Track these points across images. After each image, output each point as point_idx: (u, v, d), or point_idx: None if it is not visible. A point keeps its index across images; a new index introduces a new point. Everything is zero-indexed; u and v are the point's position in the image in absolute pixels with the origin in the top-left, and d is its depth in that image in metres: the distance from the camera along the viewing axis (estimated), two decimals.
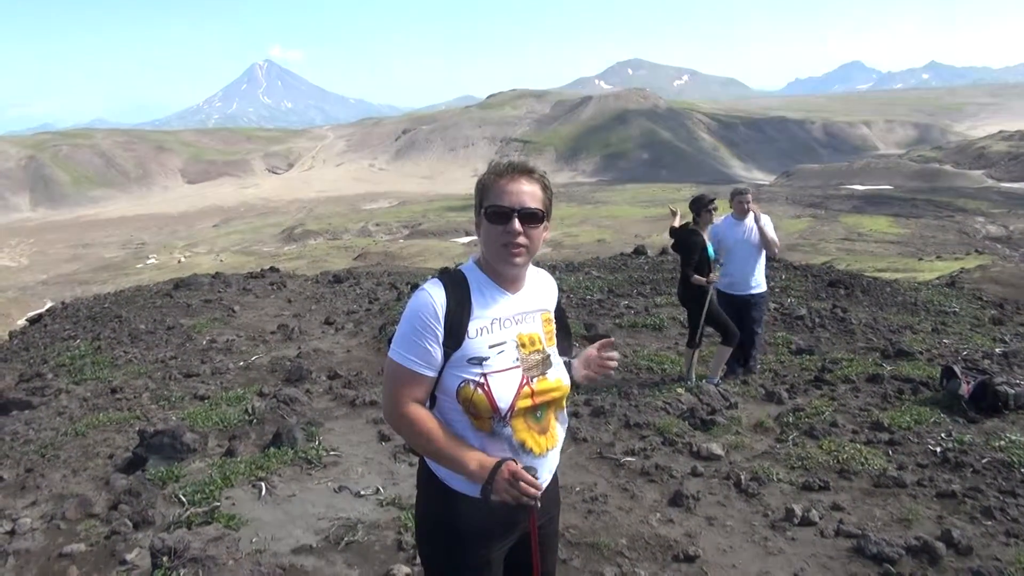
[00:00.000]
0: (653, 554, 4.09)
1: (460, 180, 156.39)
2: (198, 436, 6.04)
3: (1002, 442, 5.24)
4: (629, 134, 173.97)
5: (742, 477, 4.89)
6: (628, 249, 23.57)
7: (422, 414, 2.10)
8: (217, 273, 19.18)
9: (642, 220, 72.67)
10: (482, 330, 2.08)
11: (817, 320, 10.16)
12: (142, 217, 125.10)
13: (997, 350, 8.19)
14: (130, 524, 4.70)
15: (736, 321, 7.16)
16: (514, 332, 2.13)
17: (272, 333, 10.89)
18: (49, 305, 31.35)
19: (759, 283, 7.42)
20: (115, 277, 62.07)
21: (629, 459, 5.32)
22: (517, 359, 2.10)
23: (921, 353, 8.13)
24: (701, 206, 6.96)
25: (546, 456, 2.19)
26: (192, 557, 3.87)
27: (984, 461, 4.97)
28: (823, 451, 5.30)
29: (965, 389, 6.12)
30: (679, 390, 6.73)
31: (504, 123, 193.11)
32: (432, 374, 2.08)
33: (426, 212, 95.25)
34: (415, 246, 64.46)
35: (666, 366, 7.90)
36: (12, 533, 4.78)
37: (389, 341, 2.16)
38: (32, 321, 20.71)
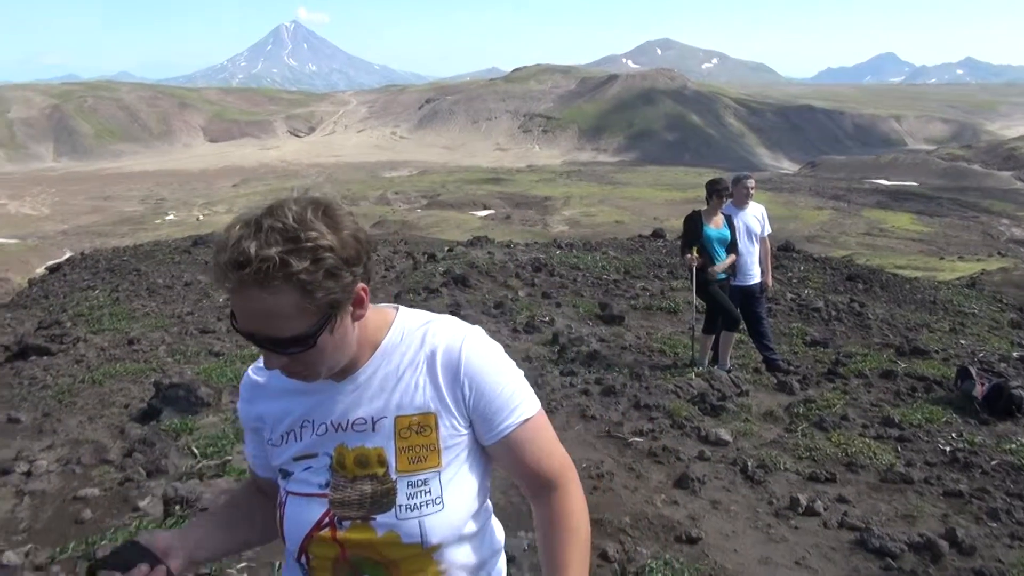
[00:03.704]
0: (656, 533, 4.12)
1: (481, 153, 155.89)
2: (212, 391, 6.13)
3: (1013, 445, 5.23)
4: (654, 115, 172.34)
5: (749, 464, 4.91)
6: (646, 231, 23.48)
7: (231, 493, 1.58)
8: None
9: (662, 203, 72.22)
10: (288, 435, 1.40)
11: (833, 313, 10.11)
12: (163, 173, 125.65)
13: (1014, 354, 8.14)
14: (143, 472, 4.80)
15: (741, 312, 7.16)
16: (332, 443, 1.36)
17: None
18: (68, 255, 31.68)
19: (758, 273, 7.37)
20: (134, 231, 62.57)
21: (637, 439, 5.35)
22: (326, 484, 1.36)
23: (937, 352, 8.08)
24: (713, 190, 6.91)
25: None
26: (204, 507, 3.95)
27: (993, 463, 4.96)
28: (832, 443, 5.31)
29: (979, 391, 6.10)
30: (691, 374, 6.74)
31: (528, 98, 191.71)
32: (266, 475, 1.51)
33: (445, 183, 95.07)
34: (432, 216, 64.52)
35: (679, 350, 7.90)
36: (29, 474, 4.89)
37: None
38: (52, 270, 20.97)
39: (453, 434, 1.36)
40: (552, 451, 1.43)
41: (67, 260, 23.13)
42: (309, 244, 1.16)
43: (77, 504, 4.47)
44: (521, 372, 1.45)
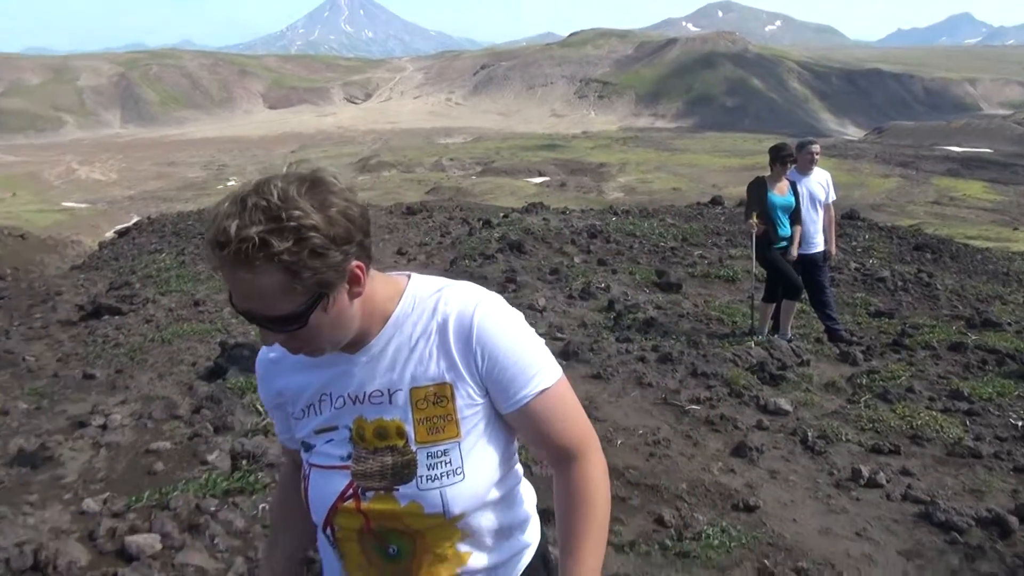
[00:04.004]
0: (712, 501, 4.10)
1: (536, 119, 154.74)
2: None
3: None
4: (714, 79, 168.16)
5: (809, 434, 4.83)
6: (704, 199, 23.06)
7: (287, 489, 1.61)
8: None
9: (720, 170, 70.75)
10: (309, 409, 1.40)
11: (900, 283, 9.81)
12: (224, 139, 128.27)
13: None
14: (211, 428, 4.97)
15: (803, 280, 6.98)
16: (351, 416, 1.36)
17: None
18: (136, 219, 32.74)
19: (821, 242, 7.17)
20: (197, 196, 64.24)
21: (694, 407, 5.31)
22: (348, 456, 1.36)
23: (1010, 324, 7.78)
24: (777, 156, 6.73)
25: None
26: (269, 463, 4.07)
27: None
28: (896, 415, 5.18)
29: None
30: (750, 343, 6.64)
31: (584, 63, 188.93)
32: (293, 447, 1.51)
33: (500, 150, 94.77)
34: (487, 183, 64.52)
35: (737, 318, 7.78)
36: (104, 427, 5.12)
37: None
38: (120, 233, 21.73)
39: (470, 403, 1.34)
40: (572, 422, 1.39)
41: (135, 224, 23.92)
42: (292, 224, 1.12)
43: (149, 457, 4.67)
44: (540, 340, 1.40)
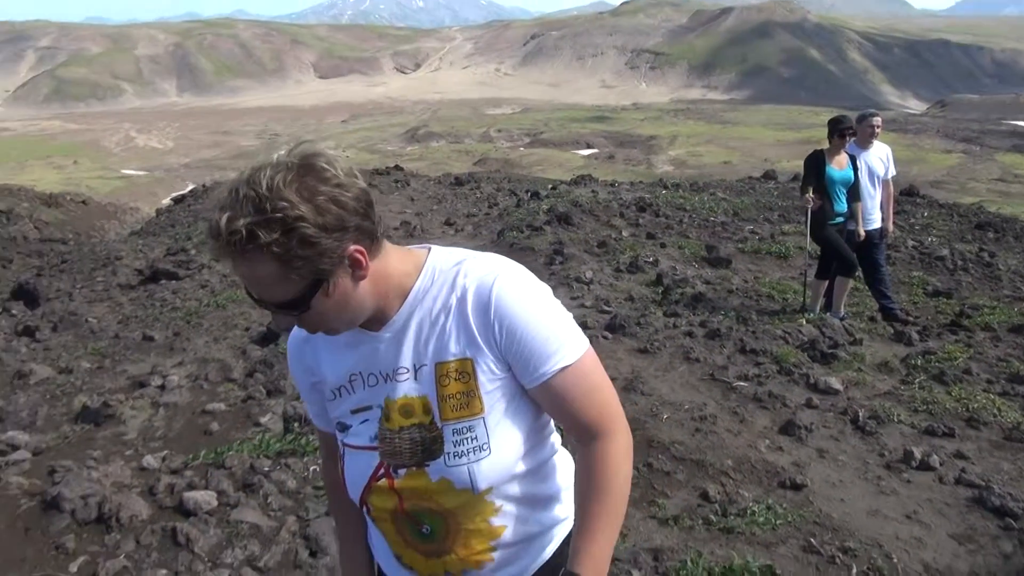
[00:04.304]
0: (759, 478, 4.08)
1: (586, 90, 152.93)
2: None
3: None
4: (770, 50, 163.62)
5: (860, 414, 4.74)
6: (756, 173, 22.61)
7: (333, 485, 1.60)
8: None
9: (774, 144, 69.07)
10: (341, 389, 1.41)
11: (959, 263, 9.50)
12: (276, 109, 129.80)
13: None
14: (264, 391, 5.10)
15: (858, 258, 6.81)
16: (382, 394, 1.36)
17: (395, 229, 11.24)
18: (191, 187, 33.48)
19: (878, 218, 6.96)
20: (251, 165, 65.20)
21: (742, 384, 5.25)
22: (375, 436, 1.37)
23: None
24: (836, 128, 6.54)
25: None
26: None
27: None
28: (951, 398, 5.05)
29: None
30: (801, 320, 6.53)
31: (637, 32, 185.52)
32: (328, 428, 1.53)
33: (548, 121, 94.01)
34: (535, 155, 64.19)
35: (788, 295, 7.64)
36: (163, 388, 5.30)
37: None
38: (177, 201, 22.27)
39: (492, 378, 1.32)
40: (596, 400, 1.36)
41: (190, 192, 24.48)
42: (278, 215, 1.12)
43: (205, 417, 4.82)
44: (566, 315, 1.36)
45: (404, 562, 1.45)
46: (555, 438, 1.51)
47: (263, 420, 4.68)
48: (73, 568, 3.12)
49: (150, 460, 4.08)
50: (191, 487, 3.71)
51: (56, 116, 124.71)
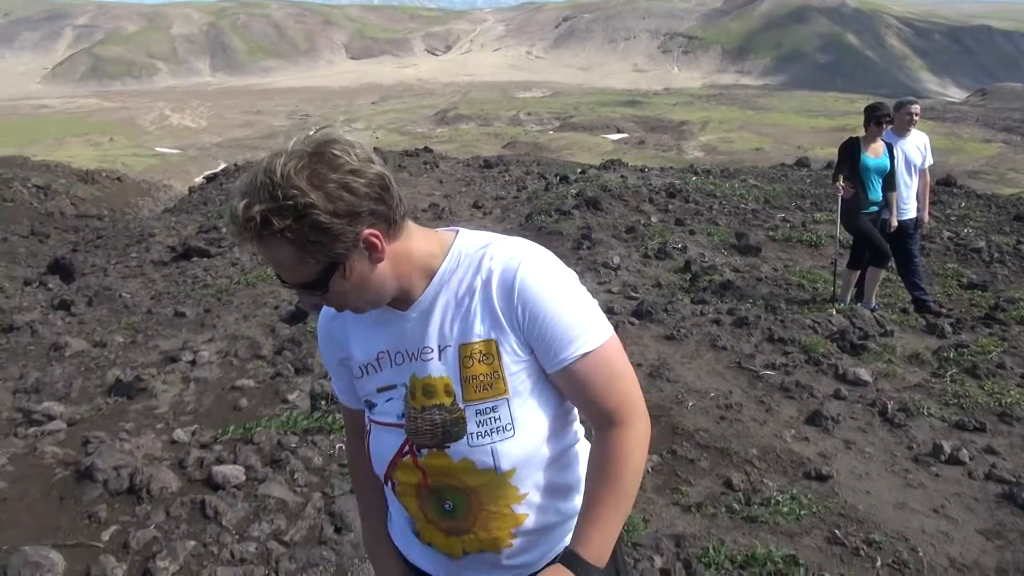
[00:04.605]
0: (783, 468, 4.05)
1: (617, 74, 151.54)
2: None
3: None
4: (806, 35, 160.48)
5: (889, 406, 4.69)
6: (789, 160, 22.29)
7: (357, 463, 1.64)
8: (375, 149, 19.92)
9: (808, 131, 67.95)
10: (368, 367, 1.43)
11: (996, 255, 9.29)
12: (307, 89, 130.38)
13: None
14: (292, 369, 5.17)
15: (891, 248, 6.69)
16: (407, 373, 1.38)
17: (423, 211, 11.26)
18: (223, 166, 33.81)
19: (913, 208, 6.82)
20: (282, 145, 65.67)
21: (769, 372, 5.21)
22: (401, 415, 1.40)
23: None
24: (872, 116, 6.41)
25: (471, 560, 1.45)
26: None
27: None
28: (984, 392, 4.97)
29: None
30: (831, 310, 6.45)
31: (670, 15, 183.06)
32: (354, 405, 1.56)
33: (578, 105, 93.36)
34: (565, 139, 63.87)
35: (818, 285, 7.55)
36: (194, 363, 5.39)
37: None
38: (209, 179, 22.50)
39: (516, 359, 1.34)
40: (615, 388, 1.36)
41: (222, 170, 24.72)
42: (289, 203, 1.16)
43: (235, 393, 4.90)
44: (590, 301, 1.37)
45: (423, 538, 1.47)
46: (578, 427, 1.51)
47: (291, 397, 4.74)
48: (105, 537, 3.20)
49: (180, 434, 4.15)
50: (220, 461, 3.78)
51: (93, 94, 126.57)
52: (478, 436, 1.34)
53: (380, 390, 1.42)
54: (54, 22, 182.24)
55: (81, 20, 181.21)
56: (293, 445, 4.00)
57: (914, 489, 3.87)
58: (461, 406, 1.34)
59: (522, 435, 1.35)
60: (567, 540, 1.44)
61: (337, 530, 3.38)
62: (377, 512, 1.65)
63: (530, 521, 1.42)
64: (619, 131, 70.98)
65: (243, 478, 3.64)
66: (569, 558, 1.32)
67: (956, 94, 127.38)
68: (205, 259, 8.99)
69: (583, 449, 1.51)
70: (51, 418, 4.56)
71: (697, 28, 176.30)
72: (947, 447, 4.17)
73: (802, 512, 3.57)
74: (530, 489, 1.40)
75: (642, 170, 16.56)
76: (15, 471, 3.73)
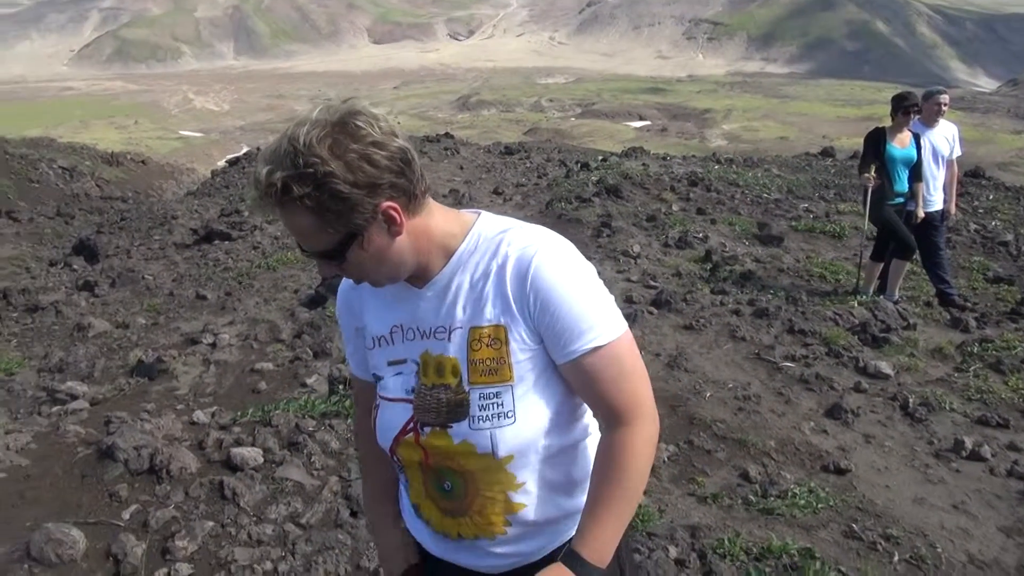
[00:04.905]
0: (801, 460, 4.02)
1: (640, 61, 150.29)
2: None
3: None
4: (834, 22, 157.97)
5: (910, 400, 4.63)
6: (814, 149, 22.01)
7: (363, 435, 1.65)
8: None
9: (833, 120, 67.00)
10: (381, 339, 1.45)
11: None
12: (329, 74, 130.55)
13: None
14: (311, 353, 5.20)
15: (916, 240, 6.58)
16: (419, 349, 1.39)
17: (444, 196, 11.26)
18: (246, 150, 34.01)
19: (940, 200, 6.71)
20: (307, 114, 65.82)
21: (788, 364, 5.17)
22: (411, 390, 1.40)
23: None
24: (899, 105, 6.30)
25: (465, 544, 1.45)
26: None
27: None
28: (1008, 387, 4.90)
29: None
30: (853, 302, 6.37)
31: (696, 1, 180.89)
32: (364, 376, 1.58)
33: (601, 92, 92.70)
34: (586, 126, 63.46)
35: (841, 276, 7.46)
36: (214, 345, 5.44)
37: None
38: (231, 163, 22.63)
39: (523, 347, 1.33)
40: (624, 385, 1.34)
41: (244, 154, 24.87)
42: (309, 170, 1.18)
43: (254, 376, 4.94)
44: (606, 295, 1.35)
45: (421, 513, 1.48)
46: (590, 423, 1.49)
47: (309, 381, 4.78)
48: (125, 515, 3.24)
49: (200, 415, 4.20)
50: (238, 443, 3.82)
51: (118, 76, 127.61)
52: (479, 420, 1.33)
53: (390, 364, 1.43)
54: (80, 4, 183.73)
55: (107, 2, 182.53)
56: (311, 428, 4.03)
57: (934, 484, 3.83)
58: (466, 388, 1.34)
59: (522, 423, 1.34)
60: (567, 536, 1.43)
61: (353, 514, 3.40)
62: (381, 489, 1.66)
63: (527, 511, 1.41)
64: (641, 118, 70.41)
65: (261, 460, 3.67)
66: (570, 557, 1.31)
67: (987, 84, 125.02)
68: (227, 242, 9.05)
69: (593, 446, 1.48)
70: (74, 397, 4.63)
71: (723, 14, 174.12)
72: (969, 443, 4.12)
73: (819, 505, 3.54)
74: (528, 478, 1.39)
75: (664, 158, 16.44)
76: (39, 449, 3.79)
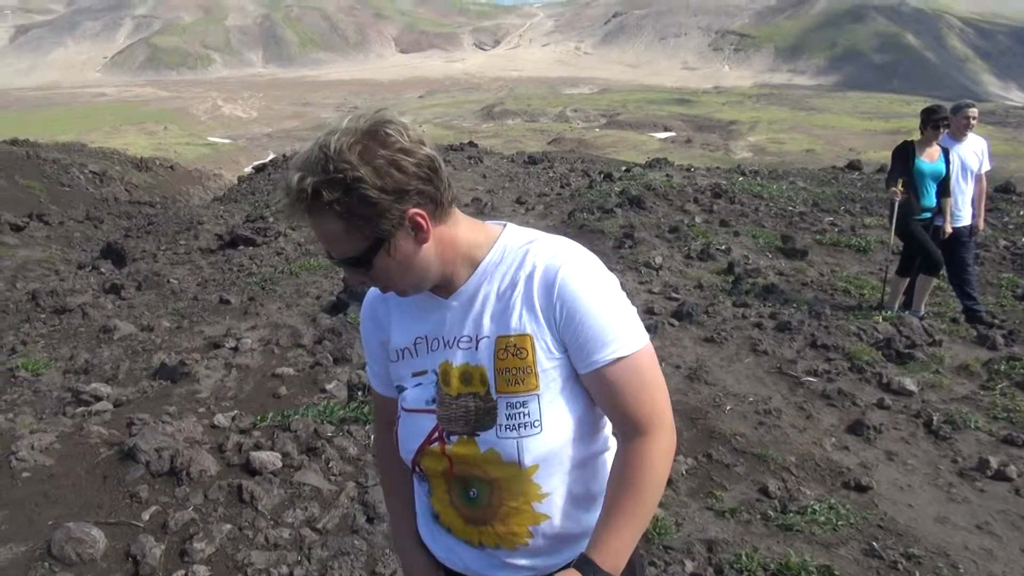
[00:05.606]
0: (822, 476, 3.97)
1: (666, 72, 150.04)
2: None
3: None
4: (863, 34, 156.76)
5: (934, 418, 4.56)
6: (840, 163, 21.83)
7: (385, 455, 1.67)
8: None
9: (861, 133, 66.36)
10: (404, 351, 1.46)
11: None
12: (356, 82, 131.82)
13: None
14: (331, 358, 5.23)
15: (944, 255, 6.49)
16: (439, 359, 1.41)
17: (466, 205, 11.30)
18: (272, 156, 34.39)
19: (968, 215, 6.61)
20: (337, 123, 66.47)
21: (810, 379, 5.11)
22: (433, 400, 1.41)
23: None
24: (929, 119, 6.22)
25: (487, 552, 1.45)
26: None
27: None
28: None
29: None
30: (877, 318, 6.29)
31: (723, 12, 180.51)
32: (387, 392, 1.58)
33: (626, 102, 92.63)
34: (610, 136, 63.41)
35: (865, 291, 7.38)
36: (236, 350, 5.49)
37: None
38: (257, 169, 22.91)
39: (549, 356, 1.34)
40: (644, 397, 1.35)
41: (270, 161, 25.15)
42: (339, 176, 1.21)
43: (275, 380, 4.98)
44: (629, 308, 1.37)
45: (442, 521, 1.48)
46: (609, 436, 1.49)
47: (329, 387, 4.80)
48: (145, 516, 3.28)
49: (221, 419, 4.24)
50: (258, 447, 3.85)
51: (149, 83, 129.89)
52: (506, 428, 1.35)
53: (414, 375, 1.44)
54: (114, 12, 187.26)
55: (140, 10, 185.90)
56: (329, 434, 4.05)
57: (957, 504, 3.76)
58: (494, 397, 1.35)
59: (549, 432, 1.36)
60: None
61: (369, 520, 3.41)
62: (403, 506, 1.66)
63: (550, 524, 1.41)
64: (666, 129, 70.27)
65: (280, 464, 3.69)
66: (583, 564, 1.31)
67: (1020, 97, 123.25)
68: (251, 248, 9.15)
69: (611, 460, 1.49)
70: (98, 399, 4.69)
71: (750, 26, 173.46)
72: (994, 462, 4.04)
73: (839, 522, 3.49)
74: (552, 489, 1.40)
75: (688, 169, 16.37)
76: (62, 449, 3.84)
